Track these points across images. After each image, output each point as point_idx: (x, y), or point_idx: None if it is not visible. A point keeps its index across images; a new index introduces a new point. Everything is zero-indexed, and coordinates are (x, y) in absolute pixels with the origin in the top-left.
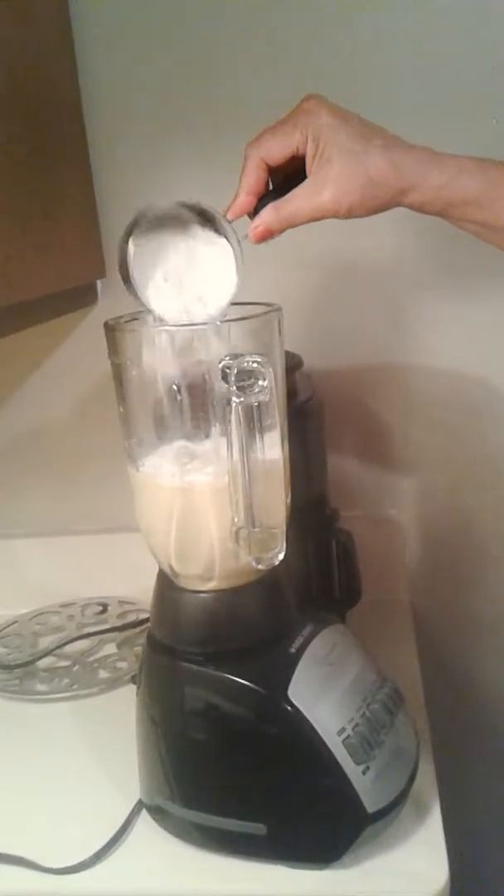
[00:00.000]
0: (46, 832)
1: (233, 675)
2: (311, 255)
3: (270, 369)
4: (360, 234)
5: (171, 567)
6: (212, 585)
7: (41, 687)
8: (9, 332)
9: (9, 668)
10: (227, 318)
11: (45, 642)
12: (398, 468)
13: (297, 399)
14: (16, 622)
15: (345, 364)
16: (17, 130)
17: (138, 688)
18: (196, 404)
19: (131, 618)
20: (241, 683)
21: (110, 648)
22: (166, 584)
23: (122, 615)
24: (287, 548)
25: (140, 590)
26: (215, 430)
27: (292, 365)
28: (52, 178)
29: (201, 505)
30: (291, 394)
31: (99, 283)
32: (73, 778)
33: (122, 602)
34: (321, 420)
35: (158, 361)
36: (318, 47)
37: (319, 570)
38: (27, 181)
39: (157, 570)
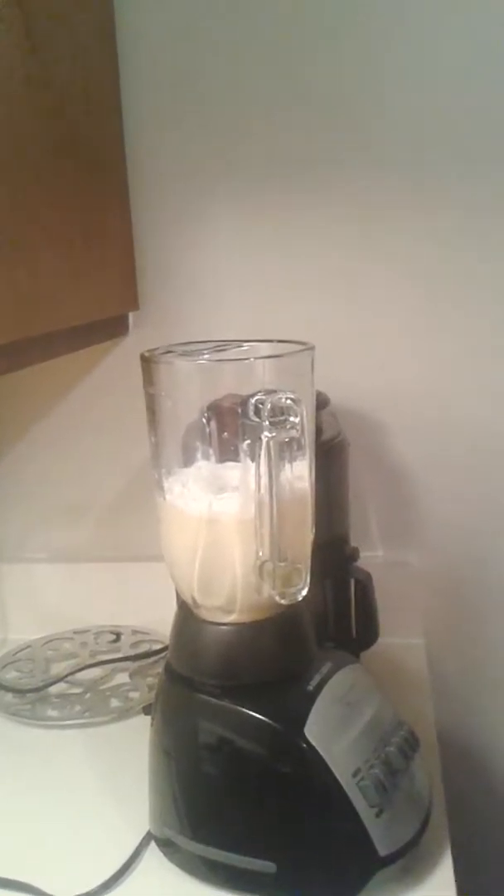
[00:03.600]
0: (53, 860)
1: (250, 709)
2: (341, 295)
3: (303, 406)
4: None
5: (192, 598)
6: (233, 618)
7: (52, 713)
8: (42, 360)
9: (21, 692)
10: (262, 355)
11: (58, 668)
12: (419, 512)
13: (323, 437)
14: (29, 647)
15: (371, 405)
16: (61, 161)
17: (153, 717)
18: (226, 437)
19: (144, 648)
20: (257, 718)
21: (123, 678)
22: (187, 615)
23: (135, 644)
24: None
25: (154, 620)
26: (245, 461)
27: (319, 402)
28: (94, 208)
29: (227, 536)
30: (317, 432)
31: (131, 316)
32: (82, 806)
33: (135, 631)
34: (345, 459)
35: (192, 393)
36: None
37: (337, 608)
38: (69, 210)
39: (178, 599)
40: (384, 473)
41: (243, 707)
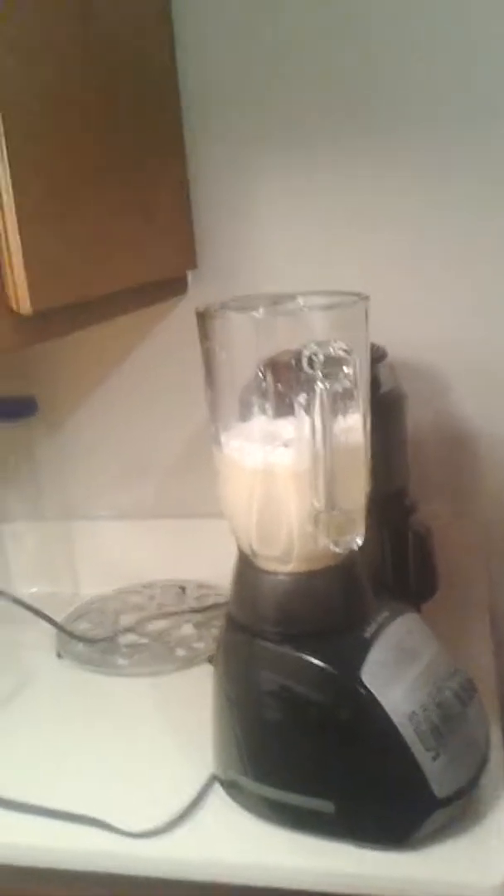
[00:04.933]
0: (123, 799)
1: (307, 655)
2: (399, 246)
3: (356, 357)
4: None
5: (251, 548)
6: (290, 568)
7: (122, 661)
8: (104, 320)
9: (93, 641)
10: (315, 305)
11: (126, 620)
12: (482, 465)
13: (380, 390)
14: (99, 600)
15: (431, 358)
16: (119, 122)
17: (215, 664)
18: (281, 389)
19: (209, 601)
20: (315, 664)
21: (188, 629)
22: (246, 565)
23: (199, 598)
24: (365, 535)
25: (217, 575)
26: (299, 414)
27: (376, 356)
28: (151, 169)
29: (282, 487)
30: (374, 385)
31: (189, 274)
32: (150, 749)
33: (200, 586)
34: (402, 412)
35: (246, 346)
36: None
37: (395, 561)
38: (126, 170)
39: (237, 551)
40: (445, 426)
41: (301, 653)
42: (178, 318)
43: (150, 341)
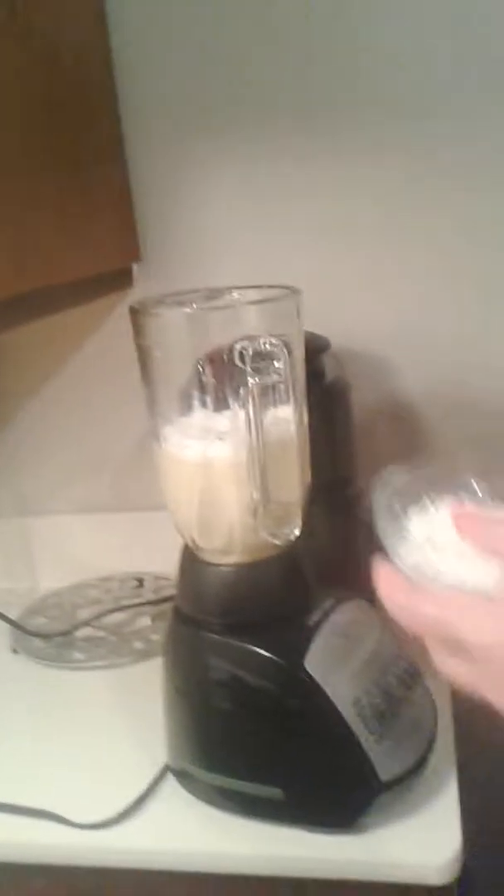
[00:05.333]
0: (75, 790)
1: (251, 644)
2: (343, 240)
3: (285, 351)
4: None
5: (193, 540)
6: (233, 559)
7: (78, 655)
8: (45, 315)
9: (48, 636)
10: (247, 300)
11: (84, 614)
12: (431, 451)
13: (324, 380)
14: (56, 595)
15: (375, 347)
16: (49, 114)
17: (164, 656)
18: (216, 384)
19: (166, 593)
20: (259, 653)
21: (145, 621)
22: (190, 557)
23: (157, 590)
24: (311, 525)
25: (175, 567)
26: (234, 407)
27: (319, 346)
28: (87, 161)
29: (221, 480)
30: (318, 375)
31: (135, 267)
32: (105, 741)
33: (157, 578)
34: (347, 401)
35: (181, 343)
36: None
37: (345, 549)
38: (62, 165)
39: (182, 544)
40: (393, 415)
41: (245, 643)
42: (126, 311)
43: (99, 334)
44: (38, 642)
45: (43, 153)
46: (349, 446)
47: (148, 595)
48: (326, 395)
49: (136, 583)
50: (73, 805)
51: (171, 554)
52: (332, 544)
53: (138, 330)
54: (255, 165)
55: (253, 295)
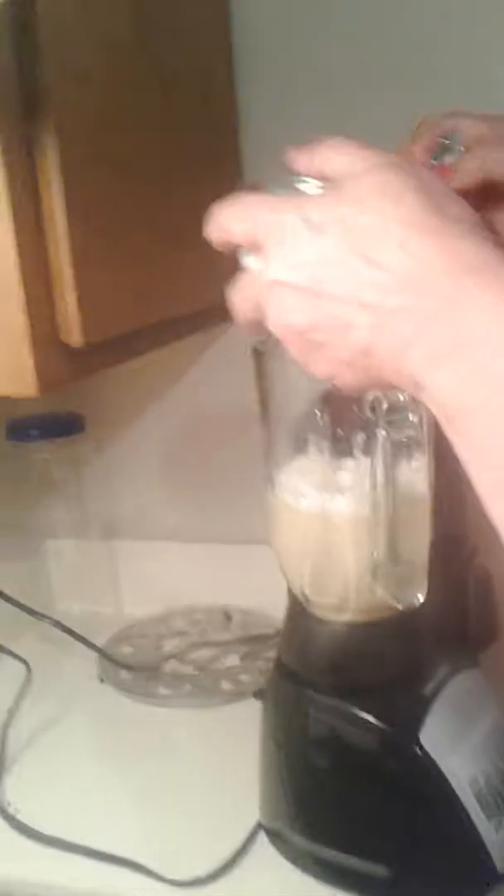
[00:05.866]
0: (162, 839)
1: (363, 710)
2: None
3: (422, 405)
4: None
5: (304, 594)
6: (346, 617)
7: (164, 691)
8: (153, 349)
9: (136, 669)
10: None
11: (169, 646)
12: None
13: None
14: (142, 623)
15: None
16: (175, 151)
17: (264, 707)
18: (340, 432)
19: (255, 630)
20: (370, 722)
21: (233, 660)
22: (298, 610)
23: (245, 626)
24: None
25: (264, 603)
26: (358, 457)
27: None
28: (207, 198)
29: (339, 536)
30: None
31: None
32: (193, 789)
33: (245, 613)
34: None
35: (304, 386)
36: None
37: (455, 607)
38: (183, 195)
39: (289, 593)
40: None
41: (356, 708)
42: (228, 341)
43: (200, 364)
44: (124, 673)
45: (166, 187)
46: (461, 500)
47: (236, 630)
48: (438, 445)
49: (223, 616)
50: (160, 855)
51: (260, 589)
52: (445, 608)
53: (260, 371)
54: None
55: None
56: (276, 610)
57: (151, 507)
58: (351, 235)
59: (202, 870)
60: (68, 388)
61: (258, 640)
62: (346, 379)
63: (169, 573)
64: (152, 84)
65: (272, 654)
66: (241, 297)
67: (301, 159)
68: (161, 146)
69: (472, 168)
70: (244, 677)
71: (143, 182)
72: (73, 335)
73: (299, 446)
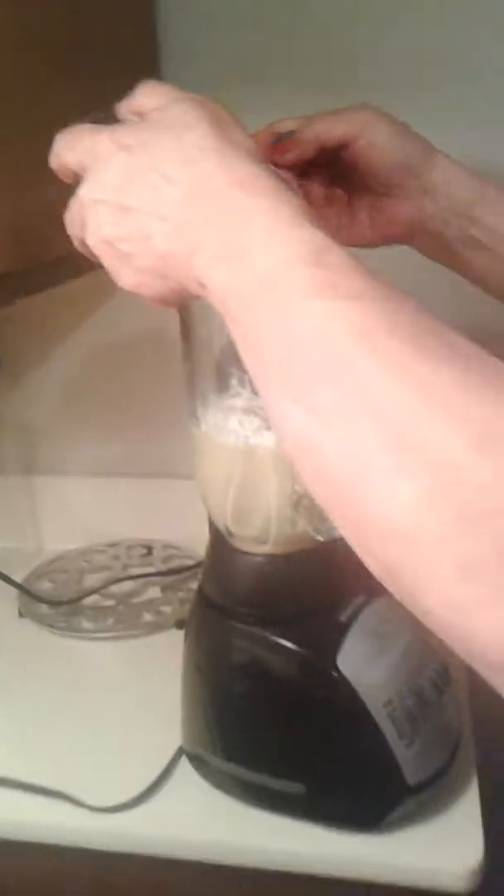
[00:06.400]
0: (86, 769)
1: (283, 638)
2: None
3: None
4: None
5: (226, 527)
6: (266, 549)
7: (87, 624)
8: (68, 279)
9: (57, 604)
10: None
11: (91, 580)
12: None
13: None
14: (63, 558)
15: None
16: (90, 66)
17: (186, 637)
18: None
19: (175, 563)
20: (290, 648)
21: (154, 592)
22: (220, 542)
23: (166, 559)
24: None
25: (185, 536)
26: None
27: None
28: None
29: (263, 469)
30: None
31: None
32: (117, 718)
33: (166, 546)
34: None
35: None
36: None
37: None
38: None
39: (210, 526)
40: None
41: (276, 636)
42: None
43: (120, 296)
44: (44, 608)
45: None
46: None
47: (157, 564)
48: None
49: (144, 550)
50: (84, 784)
51: (181, 523)
52: None
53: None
54: None
55: None
56: (196, 543)
57: (69, 441)
58: (151, 156)
59: (126, 795)
60: None
61: (179, 571)
62: (152, 288)
63: (88, 508)
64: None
65: (193, 585)
66: (70, 219)
67: (122, 105)
68: (69, 51)
69: (308, 138)
70: (165, 608)
71: (51, 92)
72: None
73: (223, 380)
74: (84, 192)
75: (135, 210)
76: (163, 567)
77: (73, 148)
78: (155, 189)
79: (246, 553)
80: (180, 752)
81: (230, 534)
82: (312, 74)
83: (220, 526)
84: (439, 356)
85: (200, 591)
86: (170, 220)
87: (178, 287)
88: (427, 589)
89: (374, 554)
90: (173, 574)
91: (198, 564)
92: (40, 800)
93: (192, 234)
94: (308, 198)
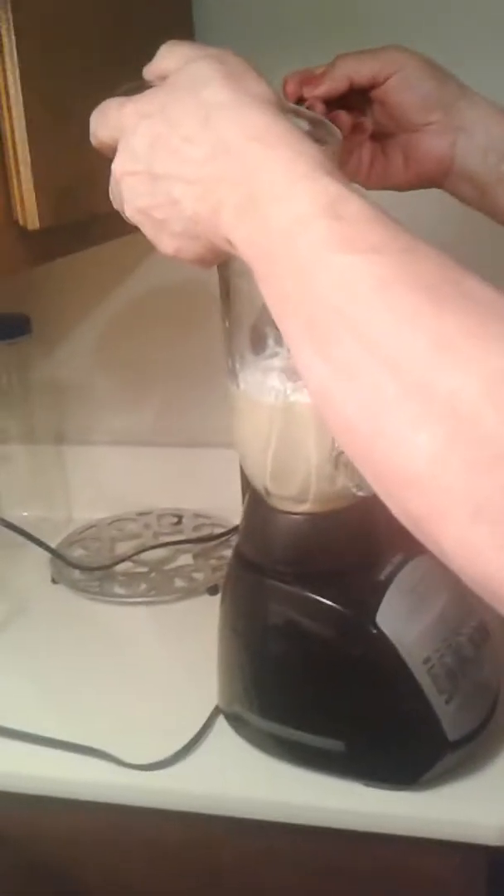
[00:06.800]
0: (124, 729)
1: (321, 596)
2: None
3: None
4: None
5: (265, 487)
6: (305, 508)
7: (119, 590)
8: (108, 239)
9: (89, 569)
10: None
11: (123, 548)
12: None
13: None
14: (94, 526)
15: None
16: (120, 41)
17: (223, 599)
18: None
19: (206, 531)
20: (329, 605)
21: (186, 559)
22: (258, 502)
23: (196, 528)
24: None
25: (215, 506)
26: None
27: None
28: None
29: (302, 426)
30: None
31: None
32: (151, 679)
33: (196, 515)
34: None
35: None
36: None
37: None
38: (136, 68)
39: (248, 487)
40: None
41: (314, 594)
42: None
43: (150, 262)
44: (77, 574)
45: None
46: None
47: (187, 532)
48: None
49: (174, 519)
50: (122, 743)
51: (211, 492)
52: None
53: (222, 260)
54: None
55: None
56: (226, 512)
57: (101, 410)
58: (170, 120)
59: (163, 753)
60: (15, 289)
61: (210, 539)
62: (189, 251)
63: (119, 477)
64: None
65: (224, 552)
66: (111, 194)
67: (147, 69)
68: (113, 14)
69: (338, 75)
70: (197, 575)
71: (96, 53)
72: (30, 218)
73: (261, 340)
74: (117, 166)
75: (162, 176)
76: (193, 535)
77: (104, 124)
78: (177, 153)
79: (285, 513)
80: (217, 711)
81: (269, 494)
82: (347, 34)
83: (259, 486)
84: (456, 307)
85: (237, 552)
86: (193, 181)
87: (212, 246)
88: (445, 532)
89: (396, 501)
90: (203, 542)
91: (229, 532)
92: (81, 758)
93: (214, 193)
94: (337, 125)
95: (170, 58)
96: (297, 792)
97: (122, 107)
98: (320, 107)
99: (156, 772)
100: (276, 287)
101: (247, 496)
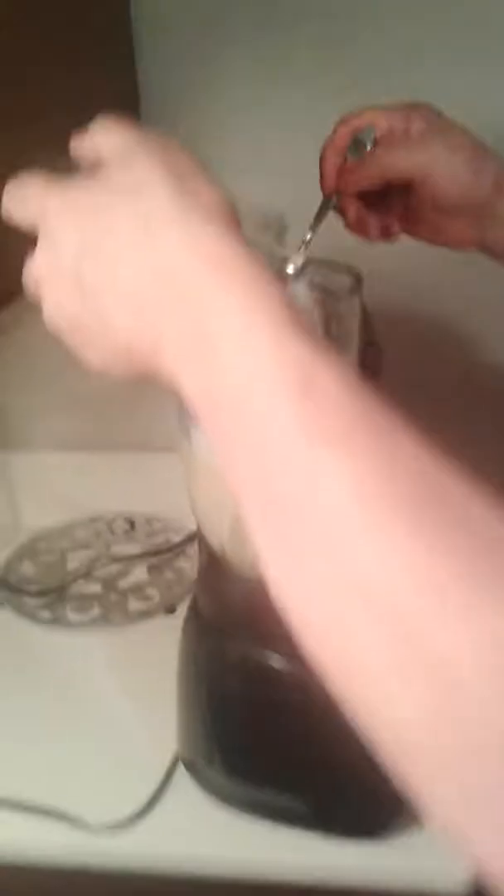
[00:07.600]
0: (80, 780)
1: (280, 656)
2: None
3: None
4: None
5: (222, 549)
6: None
7: (71, 615)
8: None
9: (38, 595)
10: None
11: (75, 560)
12: None
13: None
14: (43, 538)
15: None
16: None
17: (181, 658)
18: None
19: (161, 537)
20: (287, 665)
21: (141, 573)
22: (213, 565)
23: (150, 534)
24: None
25: (166, 508)
26: None
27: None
28: (95, 68)
29: None
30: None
31: None
32: (106, 721)
33: (149, 519)
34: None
35: None
36: None
37: None
38: (67, 71)
39: (204, 546)
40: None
41: (275, 654)
42: None
43: None
44: (27, 599)
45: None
46: None
47: (141, 539)
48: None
49: (127, 525)
50: (78, 798)
51: (160, 495)
52: None
53: None
54: (266, 79)
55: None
56: (177, 513)
57: (44, 415)
58: (103, 224)
59: (121, 806)
60: None
61: (163, 552)
62: (122, 372)
63: (66, 483)
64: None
65: (180, 564)
66: (25, 285)
67: (76, 141)
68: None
69: (371, 174)
70: (152, 592)
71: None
72: None
73: None
74: (38, 265)
75: (91, 292)
76: (147, 542)
77: (22, 207)
78: (110, 267)
79: (242, 577)
80: (177, 759)
81: (226, 555)
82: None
83: (216, 547)
84: (440, 534)
85: (194, 610)
86: (129, 307)
87: (151, 374)
88: (429, 804)
89: (366, 728)
90: (158, 552)
91: (183, 541)
92: (34, 819)
93: (154, 325)
94: (364, 232)
95: (105, 141)
96: (260, 847)
97: (46, 192)
98: (353, 208)
99: (115, 833)
100: (227, 450)
101: (201, 556)
